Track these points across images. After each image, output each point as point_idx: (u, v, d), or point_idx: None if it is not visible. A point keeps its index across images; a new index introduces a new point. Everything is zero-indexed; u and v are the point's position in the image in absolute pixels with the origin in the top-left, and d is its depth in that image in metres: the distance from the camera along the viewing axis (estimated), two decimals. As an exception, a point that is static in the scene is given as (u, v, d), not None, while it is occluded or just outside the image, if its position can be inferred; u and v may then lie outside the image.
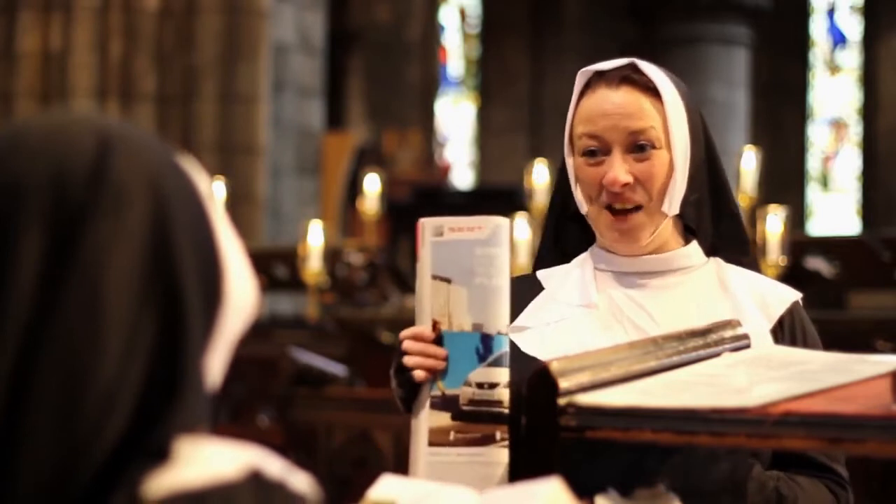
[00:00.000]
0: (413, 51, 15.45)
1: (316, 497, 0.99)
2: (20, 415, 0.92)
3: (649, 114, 1.92)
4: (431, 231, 1.81)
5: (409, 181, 13.15)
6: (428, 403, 1.81)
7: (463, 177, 16.34)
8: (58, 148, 0.98)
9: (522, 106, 15.59)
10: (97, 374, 0.93)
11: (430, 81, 15.90)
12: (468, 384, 1.79)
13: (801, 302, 1.98)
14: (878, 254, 5.91)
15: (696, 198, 1.96)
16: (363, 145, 13.27)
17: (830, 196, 15.75)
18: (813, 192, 15.74)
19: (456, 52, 16.62)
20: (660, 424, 1.36)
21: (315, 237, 6.91)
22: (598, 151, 1.93)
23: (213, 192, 1.05)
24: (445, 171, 15.98)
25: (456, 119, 16.48)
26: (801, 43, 15.76)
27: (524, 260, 6.23)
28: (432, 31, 16.02)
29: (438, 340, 1.80)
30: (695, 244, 1.99)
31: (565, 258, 2.04)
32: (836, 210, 15.57)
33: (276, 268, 7.49)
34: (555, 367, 1.46)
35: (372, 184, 7.75)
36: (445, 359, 1.80)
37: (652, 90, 1.93)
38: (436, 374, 1.80)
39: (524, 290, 1.96)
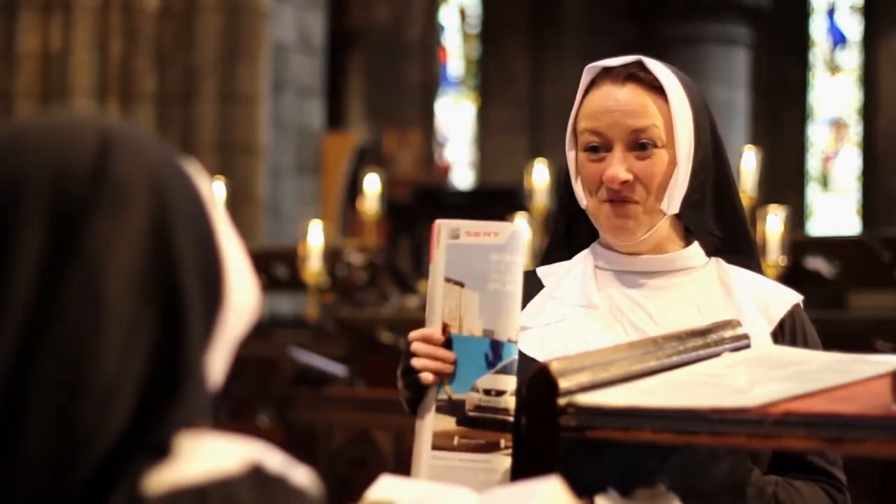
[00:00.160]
0: (413, 51, 15.45)
1: (317, 491, 1.00)
2: (19, 411, 0.92)
3: (652, 112, 1.92)
4: (447, 233, 1.80)
5: (409, 181, 13.15)
6: (434, 407, 1.80)
7: (463, 177, 16.34)
8: (59, 147, 0.98)
9: (522, 106, 15.59)
10: (97, 371, 0.93)
11: (430, 81, 15.90)
12: (475, 390, 1.77)
13: (802, 304, 1.98)
14: (878, 254, 5.91)
15: (697, 198, 1.95)
16: (363, 145, 13.28)
17: (830, 196, 15.74)
18: (813, 192, 15.74)
19: (456, 52, 16.62)
20: (660, 424, 1.36)
21: (315, 237, 6.91)
22: (599, 147, 1.93)
23: (214, 193, 1.05)
24: (445, 171, 15.97)
25: (456, 119, 16.48)
26: (801, 43, 15.75)
27: (525, 259, 6.22)
28: (432, 31, 16.01)
29: (448, 344, 1.79)
30: (696, 245, 1.99)
31: (574, 253, 2.03)
32: (836, 210, 15.56)
33: (276, 268, 7.50)
34: (555, 367, 1.46)
35: (372, 184, 7.75)
36: (454, 363, 1.78)
37: (657, 89, 1.93)
38: (443, 378, 1.79)
39: (524, 288, 1.96)
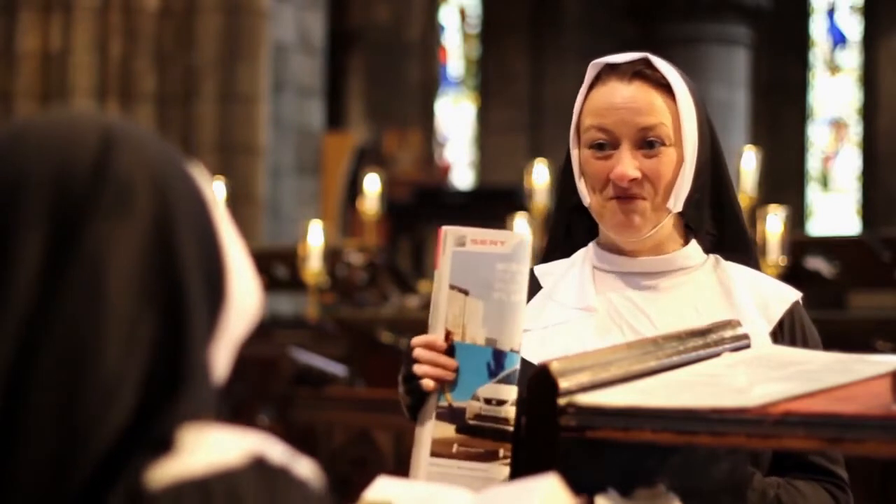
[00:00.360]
0: (413, 51, 15.44)
1: (319, 482, 1.00)
2: (20, 410, 0.93)
3: (660, 110, 1.91)
4: (454, 240, 1.80)
5: (409, 181, 13.15)
6: (434, 413, 1.80)
7: (463, 177, 16.33)
8: (60, 144, 0.98)
9: (522, 106, 15.58)
10: (97, 370, 0.93)
11: (430, 81, 15.89)
12: (476, 398, 1.77)
13: (801, 301, 1.98)
14: (878, 254, 5.91)
15: (697, 197, 1.95)
16: (363, 145, 13.28)
17: (830, 196, 15.74)
18: (813, 192, 15.74)
19: (456, 52, 16.61)
20: (660, 424, 1.36)
21: (315, 237, 6.91)
22: (606, 145, 1.92)
23: (216, 193, 1.05)
24: (445, 171, 15.97)
25: (456, 119, 16.48)
26: (801, 43, 15.75)
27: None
28: (432, 31, 16.01)
29: (450, 351, 1.79)
30: (694, 243, 1.98)
31: (573, 252, 2.03)
32: (836, 210, 15.56)
33: (276, 268, 7.49)
34: (555, 367, 1.46)
35: (372, 184, 7.75)
36: (456, 370, 1.78)
37: (664, 87, 1.92)
38: (444, 385, 1.79)
39: None
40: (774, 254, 5.74)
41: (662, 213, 1.92)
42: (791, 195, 13.49)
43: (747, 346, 1.69)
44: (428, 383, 1.79)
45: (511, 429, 1.76)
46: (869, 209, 15.20)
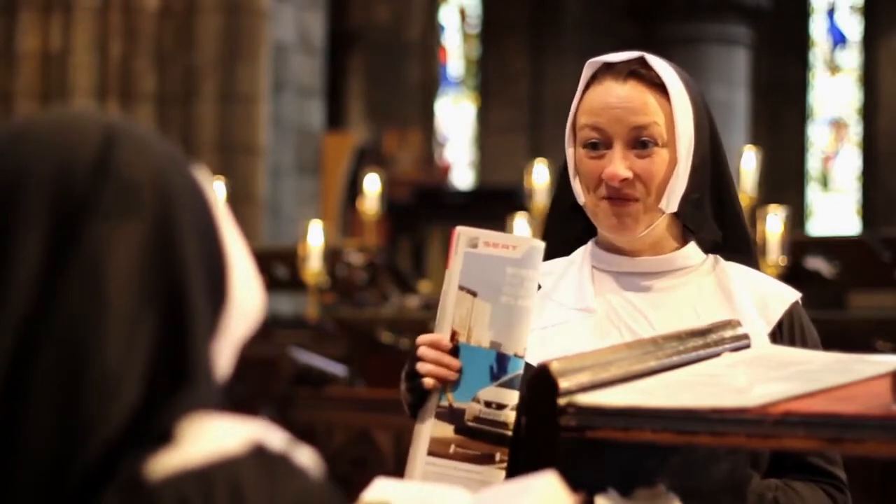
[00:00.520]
0: (413, 51, 15.44)
1: (319, 470, 1.00)
2: (20, 406, 0.93)
3: (654, 110, 1.91)
4: (466, 241, 1.79)
5: (409, 181, 13.15)
6: (434, 413, 1.80)
7: (463, 177, 16.33)
8: (62, 142, 0.98)
9: (522, 106, 15.58)
10: (98, 366, 0.93)
11: (430, 81, 15.89)
12: (477, 401, 1.77)
13: (800, 301, 1.97)
14: (878, 254, 5.91)
15: (697, 197, 1.95)
16: (363, 145, 13.27)
17: (830, 196, 15.74)
18: (813, 192, 15.74)
19: (456, 52, 16.61)
20: (660, 424, 1.36)
21: (315, 237, 6.91)
22: (599, 144, 1.92)
23: (217, 192, 1.06)
24: (445, 171, 15.97)
25: (456, 119, 16.48)
26: (801, 43, 15.75)
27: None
28: (432, 31, 16.01)
29: (455, 351, 1.79)
30: (693, 244, 1.98)
31: (570, 250, 2.03)
32: (836, 210, 15.56)
33: (276, 268, 7.49)
34: (555, 367, 1.46)
35: (372, 184, 7.75)
36: (459, 371, 1.78)
37: (659, 86, 1.91)
38: (446, 385, 1.79)
39: None
40: (774, 254, 5.74)
41: (655, 213, 1.92)
42: (791, 195, 13.50)
43: (747, 346, 1.69)
44: (430, 382, 1.79)
45: (509, 433, 1.76)
46: (869, 209, 15.20)
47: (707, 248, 1.99)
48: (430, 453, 1.79)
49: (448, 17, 16.58)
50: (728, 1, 13.00)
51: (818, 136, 15.81)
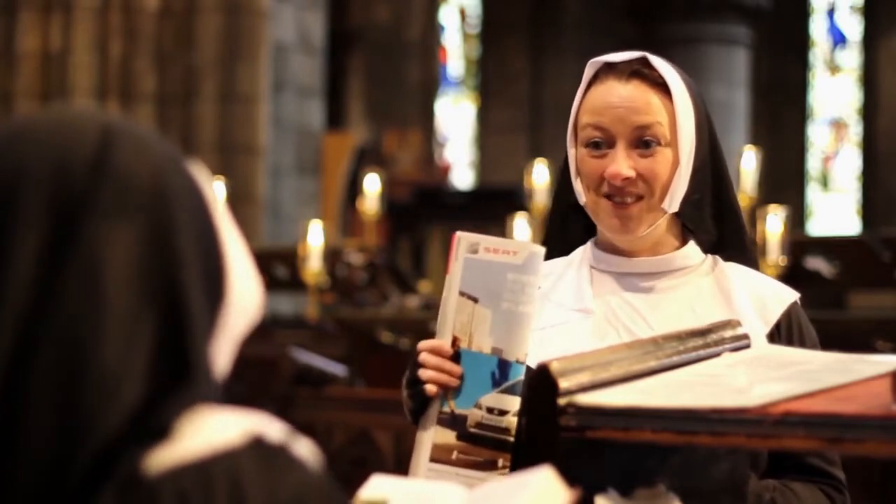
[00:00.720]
0: (413, 51, 15.44)
1: (317, 462, 1.00)
2: (19, 405, 0.93)
3: (657, 110, 1.90)
4: (466, 247, 1.79)
5: (409, 181, 13.14)
6: (436, 419, 1.80)
7: (463, 177, 16.33)
8: (60, 141, 0.98)
9: (522, 106, 15.58)
10: (97, 365, 0.93)
11: (430, 81, 15.89)
12: (478, 407, 1.77)
13: (799, 302, 1.97)
14: (878, 254, 5.91)
15: (697, 197, 1.95)
16: (363, 145, 13.27)
17: (830, 196, 15.74)
18: (813, 192, 15.74)
19: (456, 52, 16.61)
20: (660, 424, 1.36)
21: (315, 237, 6.91)
22: (602, 143, 1.92)
23: (216, 192, 1.06)
24: (445, 171, 15.97)
25: (456, 119, 16.48)
26: (801, 43, 15.75)
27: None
28: (432, 31, 16.01)
29: (456, 358, 1.79)
30: (692, 244, 1.98)
31: (569, 250, 2.02)
32: (836, 210, 15.56)
33: (276, 268, 7.49)
34: (555, 367, 1.46)
35: (372, 184, 7.75)
36: (460, 377, 1.78)
37: (661, 86, 1.91)
38: (448, 391, 1.79)
39: None
40: (774, 254, 5.74)
41: (657, 213, 1.92)
42: (791, 195, 13.49)
43: (747, 346, 1.69)
44: (431, 388, 1.79)
45: (511, 439, 1.76)
46: (869, 209, 15.20)
47: (706, 249, 1.99)
48: (433, 459, 1.79)
49: (448, 17, 16.58)
50: (728, 1, 13.00)
51: (818, 136, 15.81)
